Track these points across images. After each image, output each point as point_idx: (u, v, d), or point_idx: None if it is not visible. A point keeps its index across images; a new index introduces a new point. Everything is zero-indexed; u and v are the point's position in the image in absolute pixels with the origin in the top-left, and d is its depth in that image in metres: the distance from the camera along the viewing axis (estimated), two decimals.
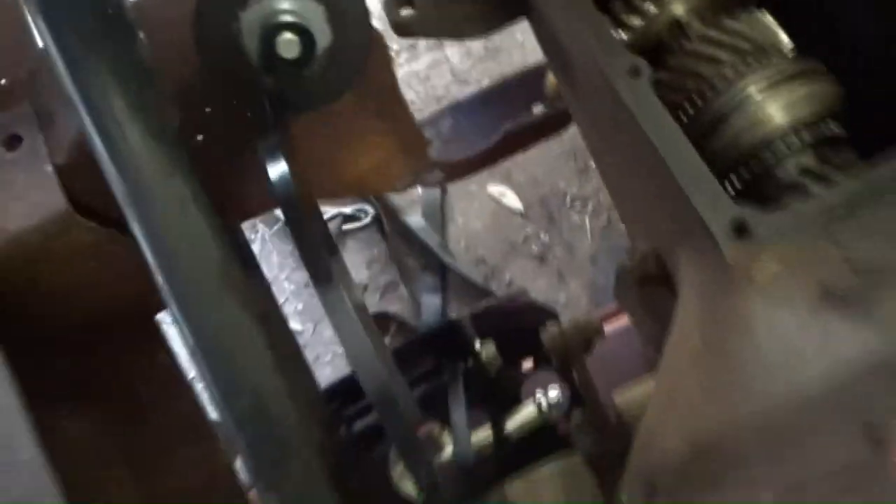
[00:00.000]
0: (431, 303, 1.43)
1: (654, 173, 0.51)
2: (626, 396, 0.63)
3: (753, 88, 0.52)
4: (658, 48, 0.59)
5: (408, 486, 1.02)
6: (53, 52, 0.44)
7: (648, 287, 0.63)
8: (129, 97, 0.44)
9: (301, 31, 0.52)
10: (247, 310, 0.41)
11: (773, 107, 0.52)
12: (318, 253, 0.50)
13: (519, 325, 0.83)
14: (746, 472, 0.34)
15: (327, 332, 1.49)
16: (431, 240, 1.49)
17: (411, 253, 1.51)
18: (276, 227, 1.56)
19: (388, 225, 1.52)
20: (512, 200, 1.54)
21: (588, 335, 0.57)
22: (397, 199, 1.56)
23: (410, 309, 1.43)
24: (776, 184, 0.53)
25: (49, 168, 0.57)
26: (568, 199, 1.52)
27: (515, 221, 1.52)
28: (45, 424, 0.60)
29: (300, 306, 1.51)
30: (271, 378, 0.40)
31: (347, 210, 1.55)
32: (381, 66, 0.68)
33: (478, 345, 0.76)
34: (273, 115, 0.55)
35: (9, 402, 0.53)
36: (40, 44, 0.46)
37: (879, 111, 0.56)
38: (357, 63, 0.59)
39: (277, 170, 0.52)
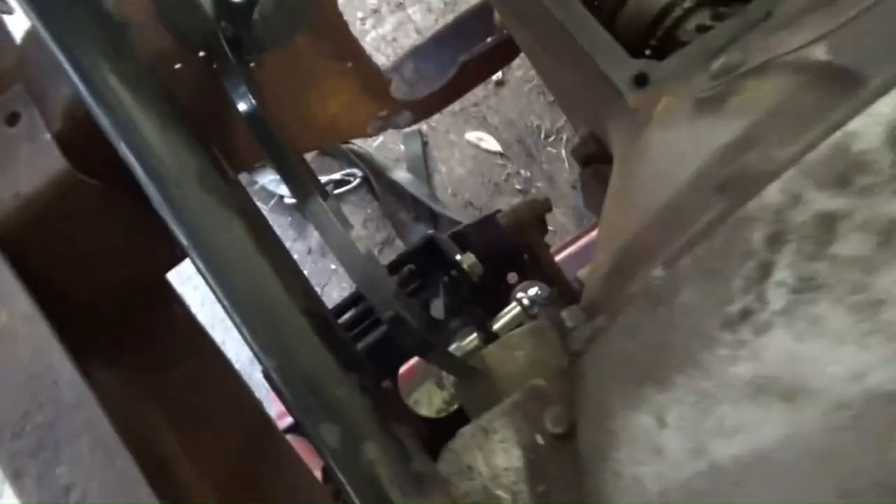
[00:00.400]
0: None
1: (570, 54, 0.57)
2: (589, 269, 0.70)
3: None
4: None
5: (422, 407, 1.10)
6: (42, 31, 0.51)
7: (594, 165, 0.70)
8: (104, 50, 0.51)
9: None
10: (228, 208, 0.48)
11: None
12: (293, 169, 0.55)
13: (498, 239, 0.90)
14: (646, 257, 0.42)
15: (334, 293, 1.58)
16: (419, 191, 1.56)
17: (402, 207, 1.59)
18: (272, 202, 1.64)
19: (377, 184, 1.59)
20: (490, 143, 1.60)
21: (537, 210, 0.63)
22: (382, 158, 1.63)
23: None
24: (680, 45, 0.59)
25: (48, 136, 0.64)
26: (543, 133, 1.59)
27: (496, 162, 1.59)
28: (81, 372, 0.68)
29: (304, 273, 1.59)
30: (259, 265, 0.47)
31: (337, 176, 1.62)
32: (329, 9, 0.75)
33: (458, 256, 0.82)
34: (234, 58, 0.61)
35: (45, 337, 0.60)
36: (28, 25, 0.54)
37: None
38: (302, 3, 0.65)
39: (244, 103, 0.59)
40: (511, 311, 0.89)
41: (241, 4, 0.60)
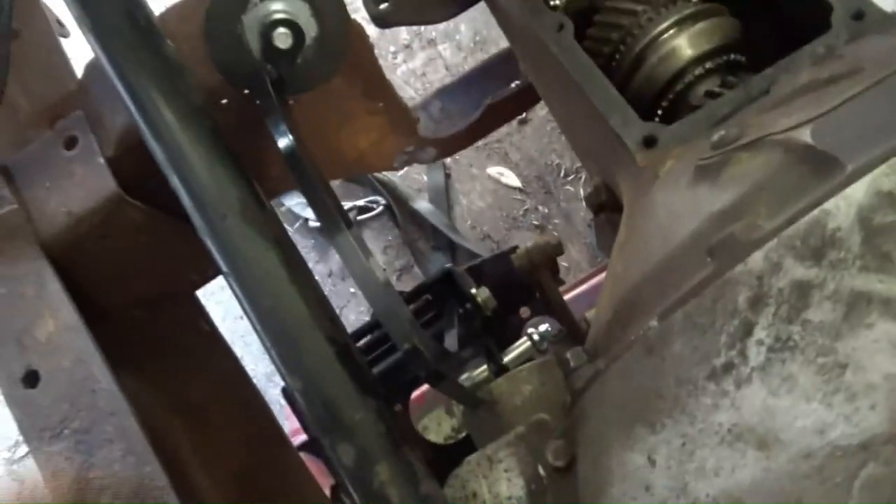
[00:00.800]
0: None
1: (585, 111, 0.62)
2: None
3: (663, 28, 0.63)
4: (587, 10, 0.70)
5: (431, 433, 1.13)
6: (103, 59, 0.57)
7: (604, 213, 0.74)
8: (163, 88, 0.57)
9: (292, 25, 0.64)
10: (265, 239, 0.53)
11: (680, 42, 0.63)
12: (324, 202, 0.60)
13: (512, 275, 0.94)
14: (644, 308, 0.45)
15: (352, 316, 1.62)
16: (439, 222, 1.61)
17: (422, 236, 1.63)
18: (297, 224, 1.69)
19: (399, 212, 1.64)
20: (511, 179, 1.65)
21: (549, 251, 0.67)
22: (405, 188, 1.68)
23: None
24: (689, 108, 0.64)
25: (101, 160, 0.70)
26: (562, 171, 1.63)
27: (515, 197, 1.63)
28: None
29: None
30: (288, 289, 0.52)
31: (361, 202, 1.68)
32: (362, 53, 0.80)
33: (473, 290, 0.86)
34: (276, 97, 0.67)
35: (87, 347, 0.65)
36: (91, 53, 0.59)
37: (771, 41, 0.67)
38: (340, 48, 0.71)
39: (284, 140, 0.64)
40: (521, 344, 0.93)
41: (287, 50, 0.65)
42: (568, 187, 1.62)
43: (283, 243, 0.52)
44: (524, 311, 1.09)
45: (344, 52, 0.71)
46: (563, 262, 1.62)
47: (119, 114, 0.70)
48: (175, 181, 0.53)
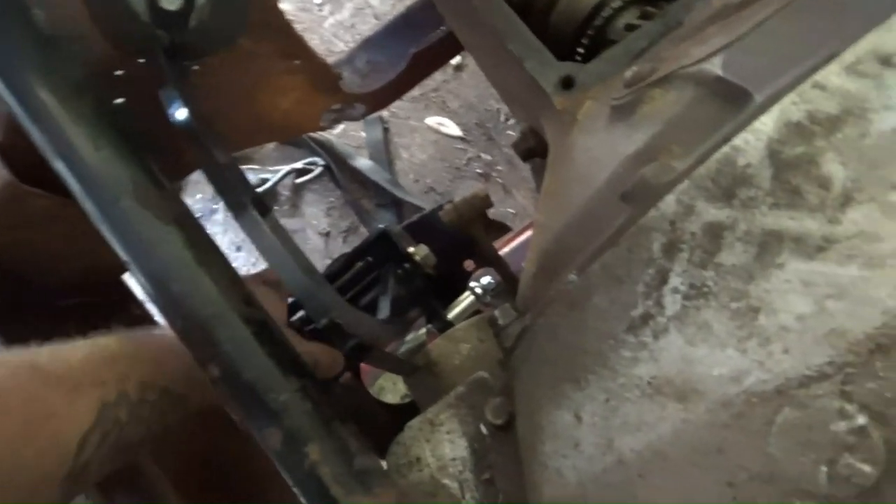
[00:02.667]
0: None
1: (503, 55, 0.59)
2: None
3: None
4: None
5: (387, 394, 1.11)
6: None
7: (535, 159, 0.71)
8: (33, 62, 0.51)
9: None
10: (165, 222, 0.49)
11: None
12: (228, 183, 0.55)
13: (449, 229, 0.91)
14: (565, 257, 0.44)
15: None
16: (382, 178, 1.57)
17: (365, 194, 1.59)
18: None
19: (339, 172, 1.59)
20: (451, 128, 1.61)
21: (477, 204, 0.65)
22: (344, 146, 1.63)
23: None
24: (610, 45, 0.61)
25: None
26: (502, 117, 1.60)
27: (457, 147, 1.60)
28: None
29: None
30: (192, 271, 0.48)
31: (298, 165, 1.62)
32: (269, 9, 0.75)
33: (411, 249, 0.83)
34: (169, 65, 0.61)
35: None
36: None
37: None
38: (239, 6, 0.65)
39: (177, 112, 0.58)
40: (465, 299, 0.91)
41: (176, 12, 0.60)
42: (509, 132, 1.59)
43: (185, 224, 0.49)
44: (468, 265, 1.07)
45: (243, 10, 0.66)
46: (509, 209, 1.61)
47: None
48: (59, 166, 0.49)
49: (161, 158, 0.58)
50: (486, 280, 0.87)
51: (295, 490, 0.46)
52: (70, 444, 0.44)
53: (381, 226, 0.83)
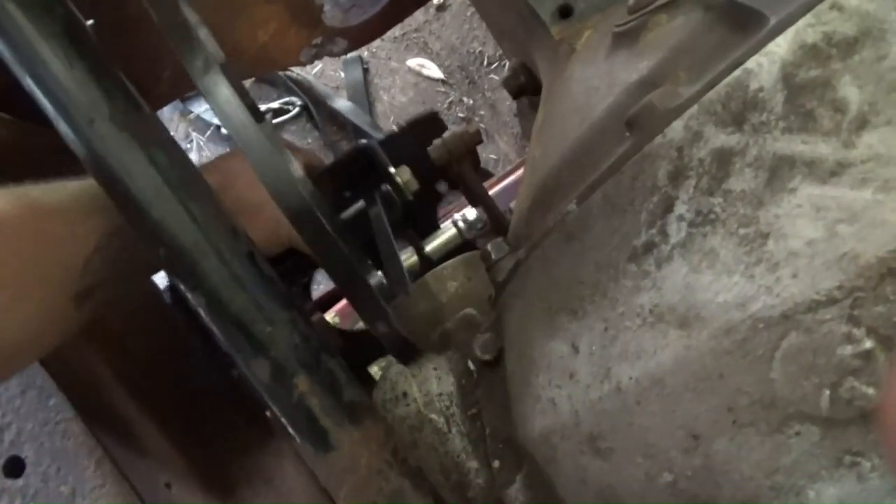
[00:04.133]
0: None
1: None
2: None
3: None
4: None
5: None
6: None
7: (526, 97, 0.70)
8: None
9: None
10: (143, 147, 0.47)
11: None
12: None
13: (426, 145, 0.84)
14: (563, 192, 0.43)
15: None
16: (361, 120, 1.53)
17: (343, 136, 1.56)
18: (209, 132, 1.59)
19: (317, 112, 1.56)
20: (432, 70, 1.58)
21: (466, 140, 0.64)
22: (322, 86, 1.59)
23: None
24: None
25: None
26: (485, 60, 1.57)
27: (438, 90, 1.57)
28: None
29: None
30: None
31: (275, 104, 1.58)
32: None
33: (392, 170, 0.78)
34: None
35: None
36: None
37: None
38: None
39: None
40: (446, 231, 0.87)
41: None
42: (492, 76, 1.56)
43: (166, 148, 0.47)
44: (441, 187, 1.00)
45: None
46: (490, 154, 1.59)
47: None
48: (29, 83, 0.46)
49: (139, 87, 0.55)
50: (471, 214, 0.85)
51: (284, 421, 0.46)
52: (75, 267, 0.49)
53: (362, 141, 0.78)
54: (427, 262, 0.78)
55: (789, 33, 0.31)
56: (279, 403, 0.45)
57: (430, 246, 0.80)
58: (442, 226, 0.83)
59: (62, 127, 0.45)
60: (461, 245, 0.83)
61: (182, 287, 0.47)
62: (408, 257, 0.78)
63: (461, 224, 0.81)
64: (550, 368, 0.41)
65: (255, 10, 0.80)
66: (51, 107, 0.45)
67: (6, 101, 0.63)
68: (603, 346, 0.36)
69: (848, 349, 0.27)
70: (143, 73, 0.73)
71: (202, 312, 0.46)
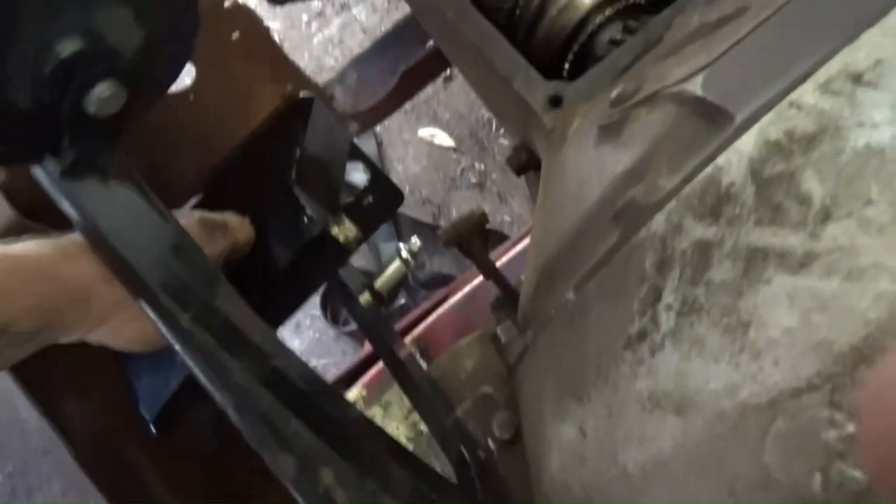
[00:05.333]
0: (390, 249, 1.53)
1: (490, 74, 0.60)
2: None
3: None
4: None
5: (394, 408, 1.10)
6: None
7: (529, 174, 0.73)
8: None
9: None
10: None
11: None
12: None
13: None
14: (563, 277, 0.45)
15: None
16: None
17: None
18: None
19: None
20: (443, 139, 1.63)
21: (475, 221, 0.66)
22: None
23: (371, 259, 1.53)
24: (596, 60, 0.62)
25: None
26: (494, 125, 1.61)
27: (450, 157, 1.62)
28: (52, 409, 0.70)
29: None
30: None
31: None
32: (256, 36, 0.76)
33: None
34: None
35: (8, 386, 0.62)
36: None
37: None
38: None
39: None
40: (392, 264, 0.85)
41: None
42: (502, 140, 1.60)
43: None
44: None
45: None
46: (505, 217, 1.62)
47: None
48: (65, 206, 0.50)
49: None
50: (414, 242, 0.82)
51: None
52: None
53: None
54: (379, 298, 0.77)
55: (754, 130, 0.33)
56: (305, 496, 0.47)
57: (379, 282, 0.78)
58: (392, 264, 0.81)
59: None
60: (406, 272, 0.81)
61: (208, 389, 0.49)
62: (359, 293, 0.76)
63: (404, 254, 0.80)
64: (563, 451, 0.42)
65: (264, 98, 0.85)
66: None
67: (45, 212, 0.67)
68: (608, 430, 0.38)
69: (832, 433, 0.28)
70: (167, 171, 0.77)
71: (230, 412, 0.48)
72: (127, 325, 0.55)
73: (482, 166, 1.57)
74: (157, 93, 0.55)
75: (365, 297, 0.72)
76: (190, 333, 0.48)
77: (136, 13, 0.45)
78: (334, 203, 0.66)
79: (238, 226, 0.61)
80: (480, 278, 1.33)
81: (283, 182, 0.64)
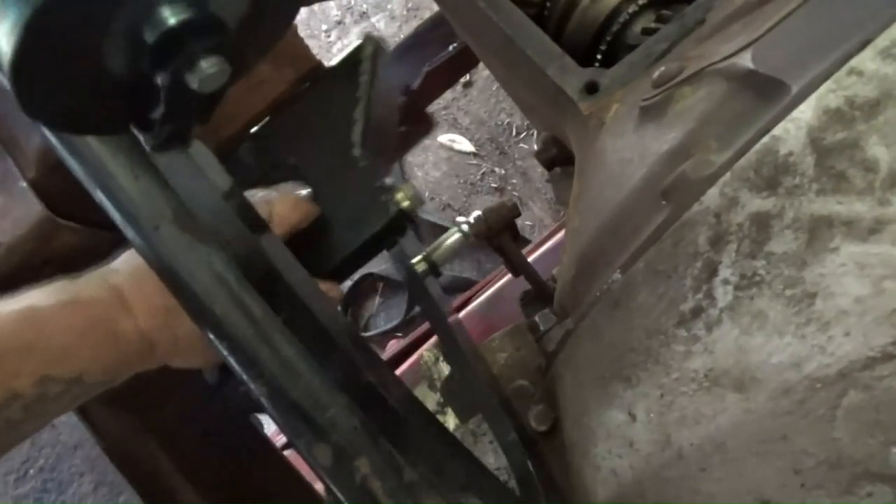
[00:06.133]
0: (410, 253, 1.53)
1: (522, 65, 0.59)
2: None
3: None
4: None
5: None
6: None
7: (559, 167, 0.72)
8: None
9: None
10: (206, 244, 0.50)
11: None
12: None
13: None
14: (605, 261, 0.44)
15: None
16: None
17: None
18: None
19: None
20: (463, 144, 1.62)
21: (504, 214, 0.66)
22: None
23: (392, 264, 1.53)
24: (628, 49, 0.62)
25: (23, 184, 0.66)
26: (514, 130, 1.61)
27: (470, 163, 1.61)
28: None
29: None
30: None
31: None
32: (290, 37, 0.76)
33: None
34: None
35: None
36: None
37: None
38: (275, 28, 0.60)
39: None
40: (450, 236, 0.83)
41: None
42: (522, 145, 1.60)
43: (224, 245, 0.50)
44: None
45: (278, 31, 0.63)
46: (526, 221, 1.61)
47: (35, 133, 0.66)
48: (100, 196, 0.50)
49: None
50: (474, 216, 0.79)
51: None
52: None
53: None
54: (434, 269, 0.74)
55: (812, 99, 0.33)
56: (342, 488, 0.46)
57: (437, 253, 0.76)
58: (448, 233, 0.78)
59: (130, 233, 0.49)
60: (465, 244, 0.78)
61: (242, 377, 0.49)
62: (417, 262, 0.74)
63: (464, 227, 0.77)
64: (609, 437, 0.41)
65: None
66: (119, 215, 0.49)
67: (72, 210, 0.67)
68: (660, 412, 0.36)
69: None
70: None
71: (264, 402, 0.48)
72: (192, 357, 0.55)
73: (502, 171, 1.57)
74: (246, 69, 0.54)
75: (422, 267, 0.69)
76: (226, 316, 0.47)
77: None
78: (391, 164, 0.63)
79: (284, 212, 0.58)
80: (502, 282, 1.32)
81: (344, 145, 0.60)
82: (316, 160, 0.62)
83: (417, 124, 0.76)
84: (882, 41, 0.32)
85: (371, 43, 0.68)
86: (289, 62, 0.75)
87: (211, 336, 0.49)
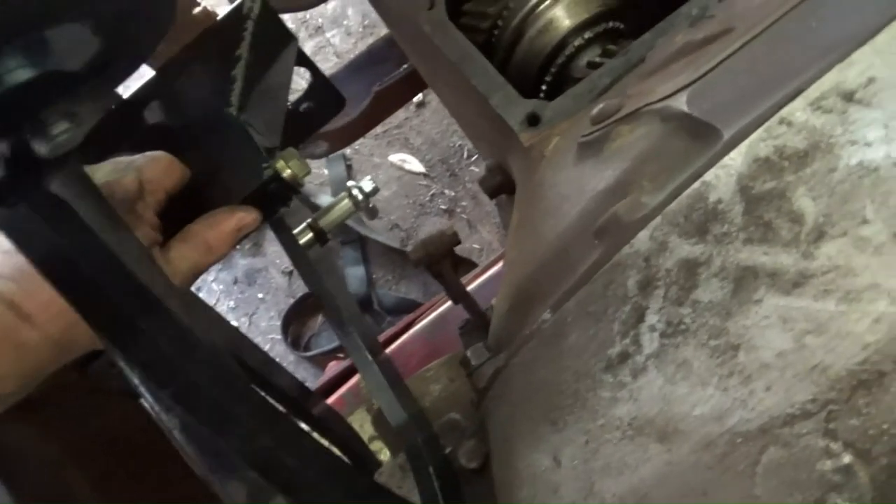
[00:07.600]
0: (356, 274, 1.50)
1: (467, 92, 0.59)
2: None
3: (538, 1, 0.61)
4: None
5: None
6: None
7: (501, 196, 0.71)
8: None
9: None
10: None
11: (557, 13, 0.61)
12: None
13: None
14: (539, 297, 0.43)
15: (262, 322, 1.55)
16: None
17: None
18: None
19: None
20: (414, 165, 1.61)
21: (445, 241, 0.64)
22: (307, 183, 1.62)
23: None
24: (573, 82, 0.62)
25: None
26: (465, 153, 1.61)
27: (420, 183, 1.60)
28: None
29: (231, 303, 1.56)
30: None
31: None
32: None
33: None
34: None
35: None
36: None
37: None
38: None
39: None
40: (340, 202, 0.79)
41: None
42: (473, 168, 1.60)
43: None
44: None
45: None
46: (474, 245, 1.61)
47: None
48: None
49: None
50: (367, 185, 0.74)
51: None
52: None
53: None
54: (322, 237, 0.70)
55: (743, 147, 0.32)
56: None
57: (326, 219, 0.71)
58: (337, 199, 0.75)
59: None
60: (354, 211, 0.74)
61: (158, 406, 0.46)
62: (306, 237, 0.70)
63: (356, 193, 0.73)
64: (535, 482, 0.40)
65: None
66: None
67: None
68: (585, 459, 0.35)
69: (827, 464, 0.26)
70: None
71: (176, 434, 0.45)
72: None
73: (452, 193, 1.56)
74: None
75: (308, 237, 0.65)
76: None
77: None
78: (278, 130, 0.60)
79: (159, 170, 0.52)
80: (447, 305, 1.31)
81: (219, 107, 0.56)
82: (192, 120, 0.58)
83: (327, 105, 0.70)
84: (813, 92, 0.32)
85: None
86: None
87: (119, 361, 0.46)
